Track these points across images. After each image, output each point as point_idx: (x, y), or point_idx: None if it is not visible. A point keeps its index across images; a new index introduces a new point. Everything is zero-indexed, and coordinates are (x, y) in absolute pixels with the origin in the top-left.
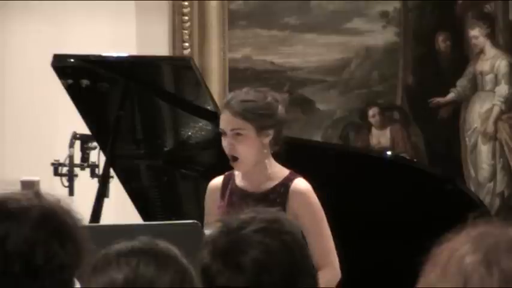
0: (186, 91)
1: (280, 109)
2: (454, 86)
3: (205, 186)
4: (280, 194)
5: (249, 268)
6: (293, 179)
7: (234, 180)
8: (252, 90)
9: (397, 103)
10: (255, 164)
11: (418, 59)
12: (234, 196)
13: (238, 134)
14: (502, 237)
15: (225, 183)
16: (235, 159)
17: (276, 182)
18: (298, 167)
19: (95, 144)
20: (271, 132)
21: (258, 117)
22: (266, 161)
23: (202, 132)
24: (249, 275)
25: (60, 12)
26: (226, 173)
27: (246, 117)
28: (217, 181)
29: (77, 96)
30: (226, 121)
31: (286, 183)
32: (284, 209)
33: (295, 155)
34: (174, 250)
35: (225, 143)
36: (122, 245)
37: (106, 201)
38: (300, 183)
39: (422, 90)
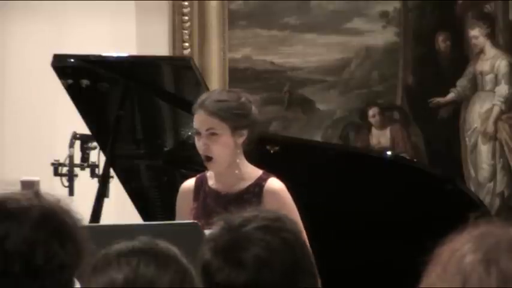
0: (186, 91)
1: (254, 109)
2: (454, 86)
3: None
4: (254, 194)
5: (250, 264)
6: (266, 178)
7: (206, 182)
8: (225, 90)
9: (397, 103)
10: (228, 164)
11: (418, 59)
12: (208, 198)
13: (213, 134)
14: (503, 236)
15: (198, 186)
16: (209, 159)
17: (249, 182)
18: (298, 167)
19: (95, 144)
20: (245, 132)
21: (233, 116)
22: (238, 161)
23: None
24: (250, 271)
25: (60, 12)
26: (198, 175)
27: (221, 117)
28: (190, 183)
29: (77, 96)
30: (201, 121)
31: (260, 183)
32: None
33: (295, 155)
34: (174, 250)
35: (199, 143)
36: (122, 245)
37: (106, 201)
38: (274, 183)
39: (422, 90)
